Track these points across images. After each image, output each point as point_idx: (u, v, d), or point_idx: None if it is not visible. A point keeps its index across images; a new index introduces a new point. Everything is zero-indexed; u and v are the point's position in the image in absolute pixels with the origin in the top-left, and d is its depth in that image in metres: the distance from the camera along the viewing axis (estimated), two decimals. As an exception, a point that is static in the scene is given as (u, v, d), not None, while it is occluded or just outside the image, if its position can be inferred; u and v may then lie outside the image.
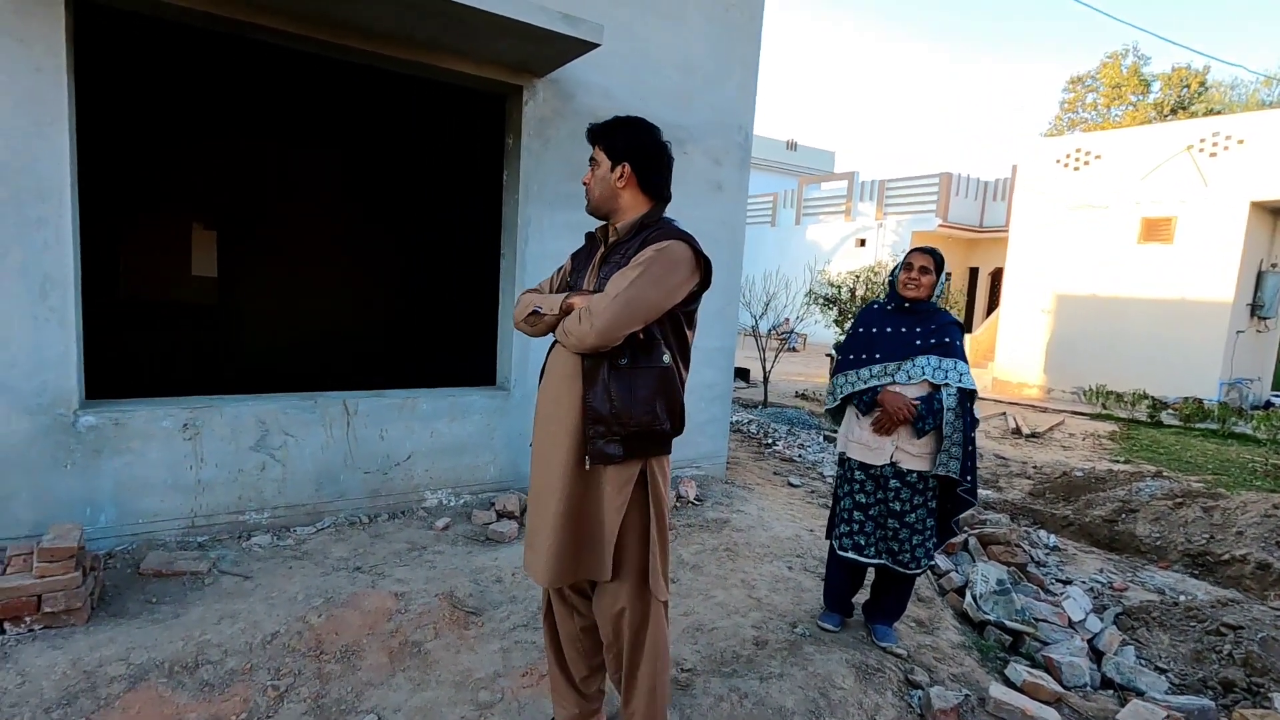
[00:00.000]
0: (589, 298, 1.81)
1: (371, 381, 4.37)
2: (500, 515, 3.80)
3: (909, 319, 2.75)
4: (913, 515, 2.71)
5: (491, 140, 4.74)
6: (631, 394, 1.80)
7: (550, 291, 2.02)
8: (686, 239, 1.84)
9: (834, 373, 2.92)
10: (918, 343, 2.70)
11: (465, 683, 2.41)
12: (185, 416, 3.23)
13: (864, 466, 2.77)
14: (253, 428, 3.39)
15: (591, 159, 1.93)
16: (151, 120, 6.20)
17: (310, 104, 6.64)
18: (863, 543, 2.80)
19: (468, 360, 5.57)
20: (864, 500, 2.79)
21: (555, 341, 1.94)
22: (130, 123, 6.09)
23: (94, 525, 3.04)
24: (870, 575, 3.06)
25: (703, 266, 1.85)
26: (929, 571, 3.78)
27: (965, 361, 2.71)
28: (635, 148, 1.89)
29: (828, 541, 2.97)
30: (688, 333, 1.92)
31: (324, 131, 6.89)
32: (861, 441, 2.76)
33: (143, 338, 6.33)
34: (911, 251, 2.81)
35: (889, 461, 2.70)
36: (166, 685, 2.26)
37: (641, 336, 1.80)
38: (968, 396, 2.67)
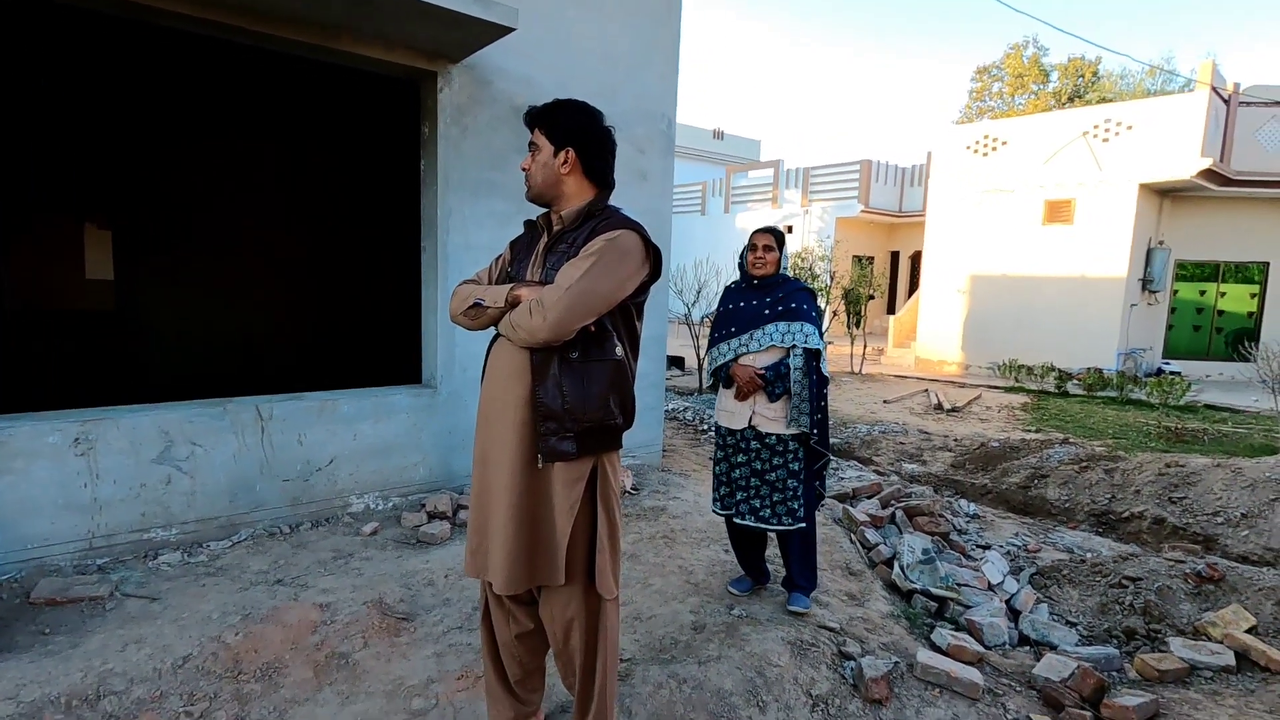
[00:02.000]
0: (537, 289, 1.74)
1: (290, 385, 4.16)
2: (431, 516, 3.69)
3: (759, 293, 2.96)
4: (773, 474, 2.87)
5: (407, 129, 4.57)
6: (584, 388, 1.74)
7: (490, 283, 1.92)
8: (637, 228, 1.80)
9: (707, 351, 3.14)
10: (766, 312, 2.90)
11: (397, 691, 2.33)
12: (76, 430, 2.98)
13: (730, 432, 2.96)
14: (155, 439, 3.16)
15: (531, 144, 1.84)
16: (31, 113, 5.67)
17: (213, 92, 6.22)
18: (732, 503, 2.98)
19: (391, 358, 5.38)
20: (731, 462, 2.97)
21: (496, 336, 1.86)
22: (6, 114, 5.56)
23: (-26, 554, 2.77)
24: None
25: (653, 257, 1.82)
26: (859, 545, 3.90)
27: (814, 324, 2.89)
28: (578, 132, 1.82)
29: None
30: (637, 324, 1.89)
31: (229, 121, 6.48)
32: (726, 409, 2.98)
33: (35, 349, 5.82)
34: (755, 233, 2.99)
35: (748, 425, 2.89)
36: (63, 721, 2.08)
37: (593, 329, 1.74)
38: (814, 356, 2.85)
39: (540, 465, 1.76)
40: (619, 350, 1.82)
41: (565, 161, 1.81)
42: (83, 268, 6.30)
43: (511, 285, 1.80)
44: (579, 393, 1.74)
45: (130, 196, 6.22)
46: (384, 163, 6.66)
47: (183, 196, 6.40)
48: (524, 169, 1.86)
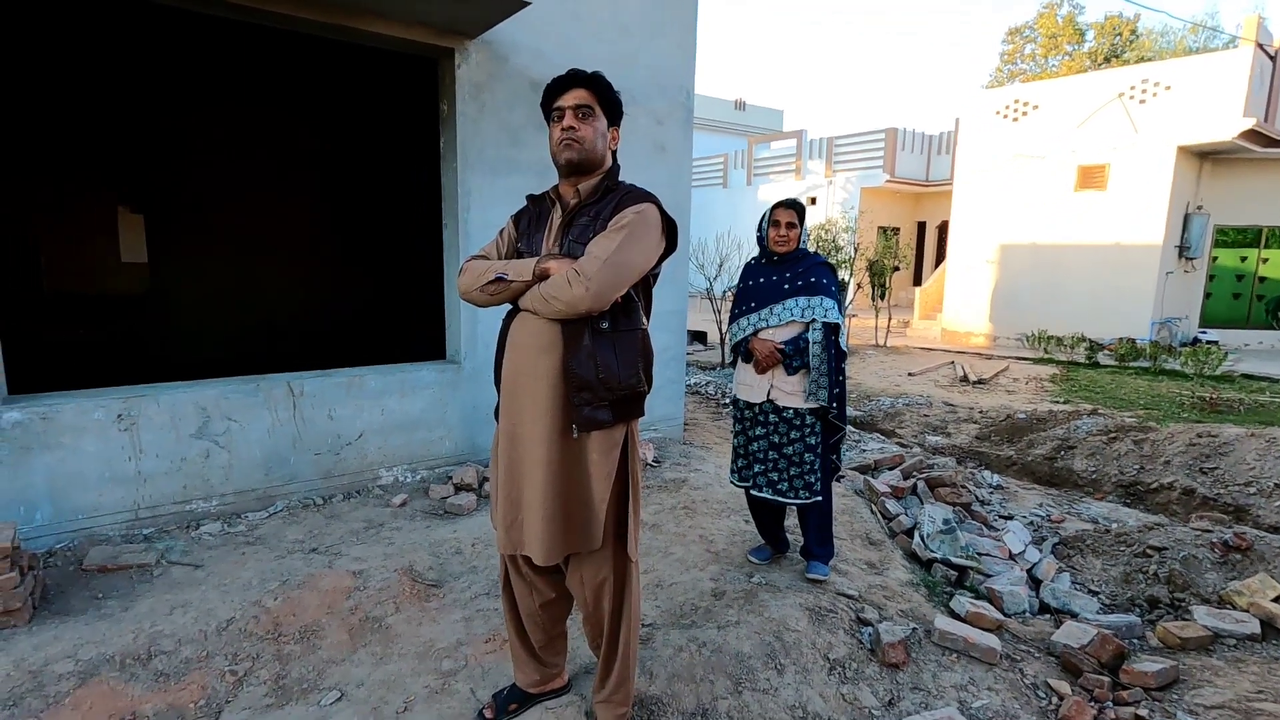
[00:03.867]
0: (567, 261, 1.74)
1: (317, 363, 4.27)
2: (458, 489, 3.79)
3: (779, 268, 2.95)
4: (790, 448, 2.89)
5: (427, 107, 4.59)
6: (616, 357, 1.78)
7: (500, 258, 1.92)
8: (656, 201, 1.83)
9: (727, 327, 3.16)
10: (786, 287, 2.90)
11: (428, 653, 2.43)
12: (119, 407, 3.11)
13: (749, 405, 2.98)
14: (193, 415, 3.29)
15: (584, 106, 1.79)
16: (67, 101, 5.81)
17: (237, 76, 6.31)
18: (750, 475, 3.02)
19: (415, 335, 5.47)
20: (749, 435, 3.00)
21: (514, 311, 1.87)
22: (43, 102, 5.70)
23: (30, 524, 2.93)
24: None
25: (668, 229, 1.84)
26: (879, 516, 3.92)
27: (834, 298, 2.88)
28: (620, 115, 1.88)
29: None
30: (651, 295, 1.93)
31: (254, 104, 6.57)
32: (745, 382, 3.00)
33: (73, 330, 6.04)
34: (775, 208, 2.95)
35: (766, 399, 2.91)
36: (119, 678, 2.21)
37: (620, 300, 1.77)
38: (832, 330, 2.85)
39: (576, 435, 1.78)
40: (644, 320, 1.87)
41: (614, 139, 1.87)
42: (117, 251, 6.49)
43: (538, 259, 1.79)
44: (612, 362, 1.77)
45: (161, 179, 6.36)
46: (405, 141, 6.70)
47: (211, 178, 6.53)
48: (571, 128, 1.78)
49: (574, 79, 1.81)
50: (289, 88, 6.58)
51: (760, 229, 3.01)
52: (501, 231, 2.00)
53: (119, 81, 5.94)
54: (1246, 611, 3.00)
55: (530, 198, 1.99)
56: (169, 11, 3.41)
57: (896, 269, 12.92)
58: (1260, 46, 10.66)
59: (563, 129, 1.79)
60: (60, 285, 6.17)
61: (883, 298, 12.58)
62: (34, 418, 2.94)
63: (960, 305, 13.75)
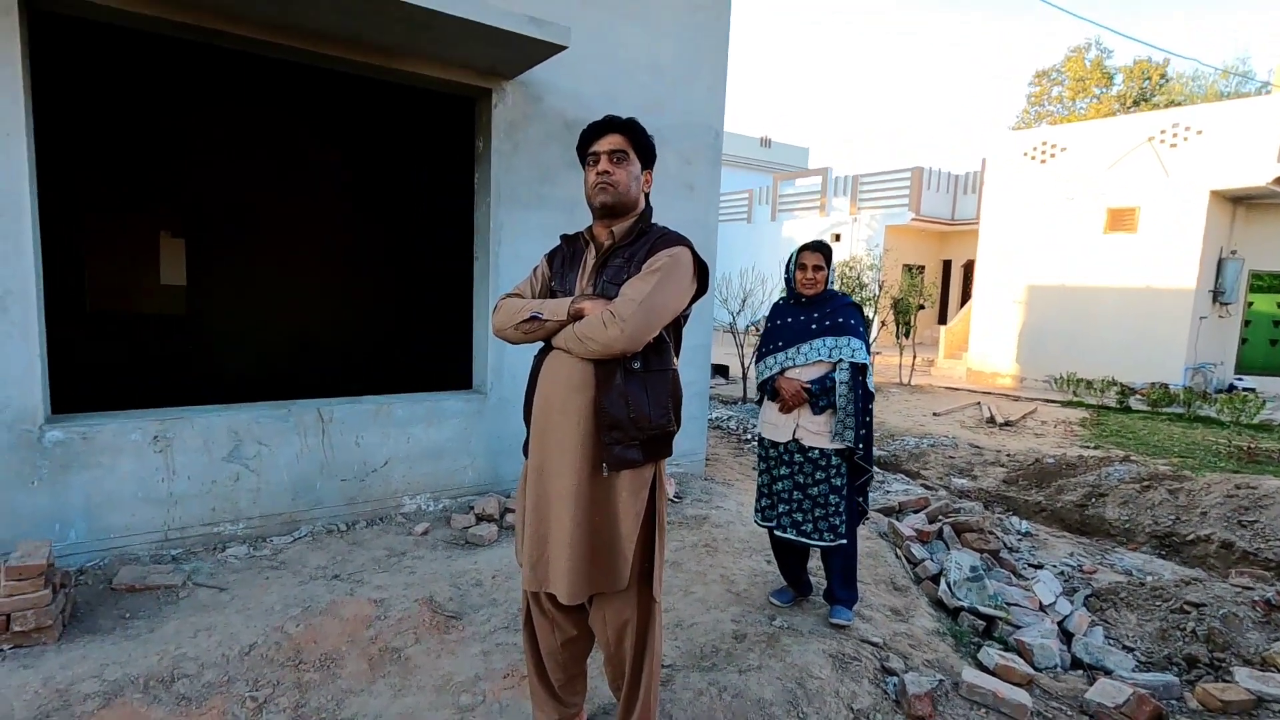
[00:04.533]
0: (601, 302, 1.77)
1: (347, 388, 4.35)
2: (479, 519, 3.80)
3: (807, 308, 2.97)
4: (815, 489, 2.87)
5: (462, 143, 4.73)
6: (647, 397, 1.80)
7: (534, 296, 1.96)
8: (689, 245, 1.87)
9: (754, 365, 3.18)
10: (813, 327, 2.91)
11: (446, 687, 2.42)
12: (155, 429, 3.19)
13: (774, 444, 2.97)
14: (225, 438, 3.36)
15: (618, 151, 1.84)
16: (116, 128, 6.08)
17: (280, 109, 6.57)
18: (774, 515, 2.99)
19: (444, 364, 5.55)
20: (774, 475, 2.99)
21: (546, 348, 1.90)
22: (95, 131, 5.97)
23: (64, 541, 2.99)
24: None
25: (700, 272, 1.88)
26: (904, 560, 3.85)
27: (861, 339, 2.88)
28: (654, 160, 1.93)
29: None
30: (680, 336, 1.97)
31: (294, 137, 6.81)
32: (770, 421, 2.99)
33: (112, 350, 6.22)
34: (802, 251, 2.96)
35: (792, 438, 2.90)
36: (142, 700, 2.23)
37: (652, 340, 1.80)
38: (860, 370, 2.84)
39: (606, 474, 1.79)
40: (674, 360, 1.89)
41: (647, 182, 1.91)
42: (157, 273, 6.70)
43: (572, 299, 1.83)
44: (643, 401, 1.79)
45: (203, 206, 6.60)
46: (438, 175, 6.88)
47: (250, 206, 6.75)
48: (606, 172, 1.82)
49: (609, 125, 1.86)
50: (328, 121, 6.82)
51: (788, 270, 3.03)
52: (535, 270, 2.04)
53: (168, 113, 6.21)
54: (1292, 675, 2.88)
55: (564, 237, 2.03)
56: (224, 52, 3.58)
57: (922, 307, 12.85)
58: (1294, 93, 10.58)
59: (598, 173, 1.84)
60: (102, 305, 6.38)
61: (907, 335, 12.49)
62: (75, 437, 3.02)
63: (986, 345, 13.59)
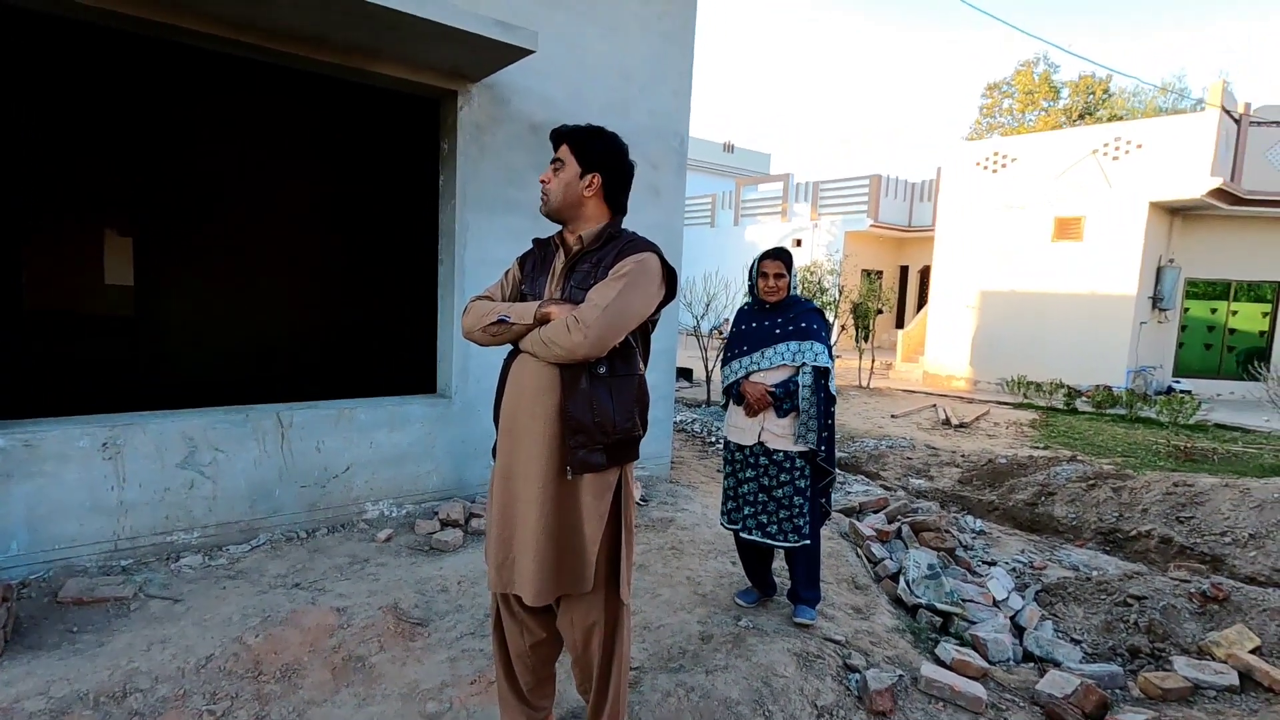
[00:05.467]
0: (567, 307, 1.78)
1: (307, 392, 4.25)
2: (444, 524, 3.76)
3: (770, 313, 3.03)
4: (780, 491, 2.93)
5: (427, 145, 4.68)
6: (612, 402, 1.82)
7: (504, 299, 1.97)
8: (657, 251, 1.88)
9: (720, 369, 3.23)
10: (777, 331, 2.98)
11: (412, 695, 2.39)
12: (105, 435, 3.07)
13: (740, 447, 3.03)
14: (179, 444, 3.26)
15: (556, 159, 1.89)
16: (59, 122, 5.84)
17: (238, 107, 6.39)
18: (739, 517, 3.04)
19: (407, 368, 5.47)
20: (739, 477, 3.04)
21: (515, 352, 1.90)
22: (35, 124, 5.72)
23: (5, 553, 2.86)
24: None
25: (668, 278, 1.89)
26: (865, 560, 3.94)
27: (823, 343, 2.96)
28: (609, 161, 1.90)
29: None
30: (649, 341, 1.98)
31: (253, 136, 6.63)
32: (736, 424, 3.04)
33: (54, 351, 5.95)
34: (763, 259, 3.02)
35: (757, 441, 2.96)
36: (92, 717, 2.15)
37: (618, 345, 1.81)
38: (822, 374, 2.91)
39: (570, 477, 1.80)
40: (641, 365, 1.91)
41: (590, 185, 1.88)
42: (102, 273, 6.44)
43: (540, 303, 1.84)
44: (608, 406, 1.81)
45: (152, 204, 6.37)
46: (402, 176, 6.78)
47: (203, 205, 6.54)
48: (543, 182, 1.90)
49: (552, 134, 1.94)
50: (288, 120, 6.66)
51: (750, 277, 3.09)
52: (507, 273, 2.05)
53: (115, 107, 5.99)
54: (1225, 663, 3.04)
55: (536, 241, 2.05)
56: (174, 47, 3.48)
57: (880, 312, 13.15)
58: (1225, 111, 11.17)
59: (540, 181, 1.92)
60: (41, 304, 6.10)
61: (866, 339, 12.77)
62: (17, 444, 2.89)
63: (942, 349, 13.99)
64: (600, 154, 1.90)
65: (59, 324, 6.14)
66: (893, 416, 9.95)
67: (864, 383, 12.62)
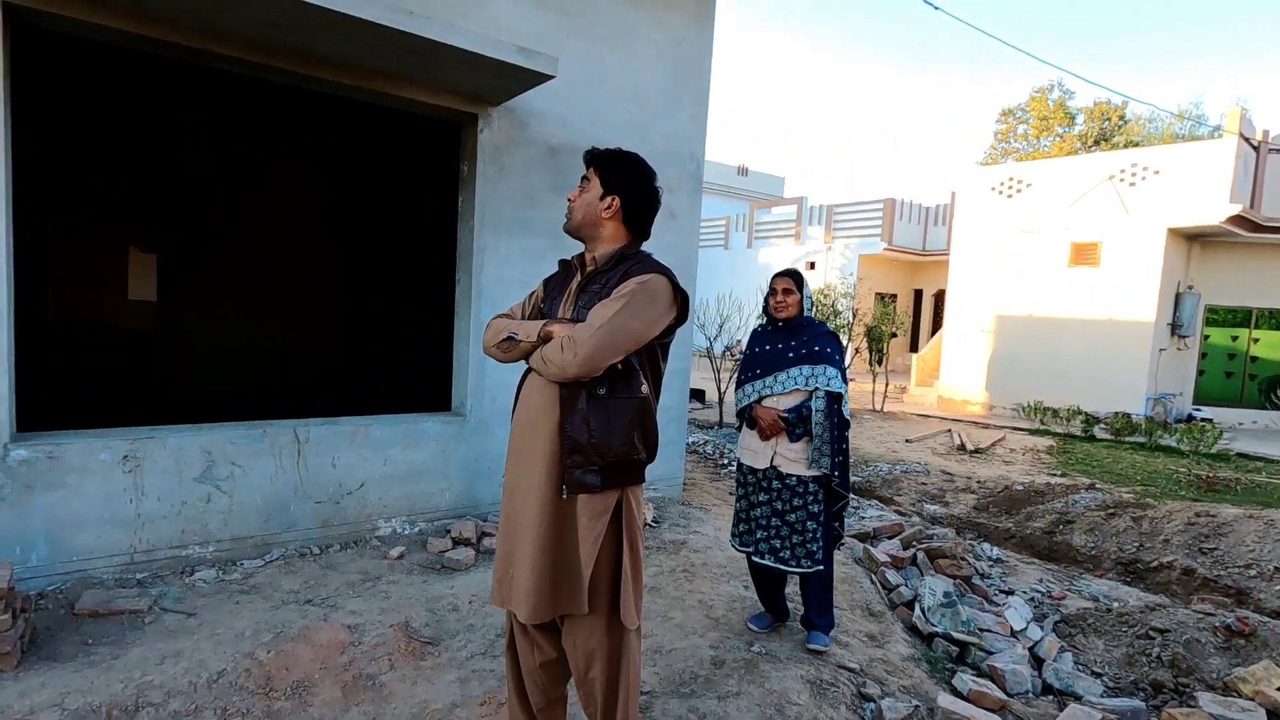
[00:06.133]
0: (569, 326, 1.81)
1: (324, 408, 4.29)
2: (456, 543, 3.76)
3: (784, 335, 3.02)
4: (793, 515, 2.90)
5: (446, 166, 4.76)
6: (609, 424, 1.81)
7: (523, 318, 2.01)
8: (667, 273, 1.89)
9: (735, 391, 3.21)
10: (790, 355, 2.96)
11: (422, 714, 2.38)
12: (125, 448, 3.12)
13: (752, 470, 3.01)
14: (198, 459, 3.29)
15: (584, 178, 1.95)
16: (87, 140, 6.00)
17: (260, 127, 6.54)
18: (751, 541, 3.02)
19: (422, 386, 5.50)
20: (751, 500, 3.03)
21: (528, 369, 1.93)
22: (64, 142, 5.88)
23: (25, 564, 2.89)
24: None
25: (680, 301, 1.90)
26: (879, 586, 3.89)
27: (837, 367, 2.94)
28: (630, 186, 1.93)
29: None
30: (661, 364, 1.97)
31: (274, 155, 6.78)
32: (749, 447, 3.03)
33: (78, 365, 6.06)
34: (774, 277, 3.06)
35: (770, 465, 2.94)
36: (104, 731, 2.16)
37: (620, 367, 1.82)
38: (835, 399, 2.90)
39: (565, 496, 1.81)
40: (644, 388, 1.89)
41: (609, 206, 1.91)
42: (125, 289, 6.57)
43: (544, 321, 1.88)
44: (605, 427, 1.81)
45: (176, 222, 6.50)
46: (421, 197, 6.87)
47: (225, 223, 6.67)
48: (570, 200, 1.96)
49: (585, 155, 1.99)
50: (309, 140, 6.81)
51: (766, 299, 3.11)
52: (532, 292, 2.10)
53: (142, 128, 6.15)
54: (1252, 700, 2.96)
55: (561, 261, 2.09)
56: (209, 71, 3.58)
57: (894, 335, 13.10)
58: (1244, 137, 11.12)
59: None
60: (66, 316, 6.22)
61: (880, 363, 12.71)
62: (41, 456, 2.94)
63: (957, 373, 13.88)
64: (622, 178, 1.93)
65: (82, 338, 6.26)
66: (907, 441, 9.86)
67: (878, 406, 12.54)
